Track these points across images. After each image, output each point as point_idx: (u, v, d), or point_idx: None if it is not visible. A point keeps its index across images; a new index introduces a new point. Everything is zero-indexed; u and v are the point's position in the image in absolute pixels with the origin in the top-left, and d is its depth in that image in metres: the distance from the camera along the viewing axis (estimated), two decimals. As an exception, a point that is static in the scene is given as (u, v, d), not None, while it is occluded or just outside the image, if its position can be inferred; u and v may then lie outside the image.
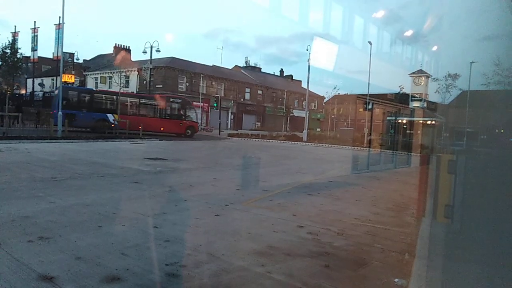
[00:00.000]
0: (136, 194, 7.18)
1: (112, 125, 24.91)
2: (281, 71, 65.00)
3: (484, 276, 3.70)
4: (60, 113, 20.73)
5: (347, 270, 3.96)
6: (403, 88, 40.48)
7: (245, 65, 59.24)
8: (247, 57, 61.84)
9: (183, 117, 27.90)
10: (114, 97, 26.67)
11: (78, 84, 41.58)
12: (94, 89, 28.09)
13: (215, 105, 35.87)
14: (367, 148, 27.63)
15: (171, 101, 28.41)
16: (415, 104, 35.57)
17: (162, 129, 26.76)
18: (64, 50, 25.30)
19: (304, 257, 4.23)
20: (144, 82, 39.88)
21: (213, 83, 44.87)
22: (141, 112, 27.06)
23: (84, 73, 47.33)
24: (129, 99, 27.51)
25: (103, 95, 27.50)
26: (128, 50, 49.10)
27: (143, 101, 27.86)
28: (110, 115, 25.42)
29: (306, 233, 5.10)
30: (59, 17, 22.85)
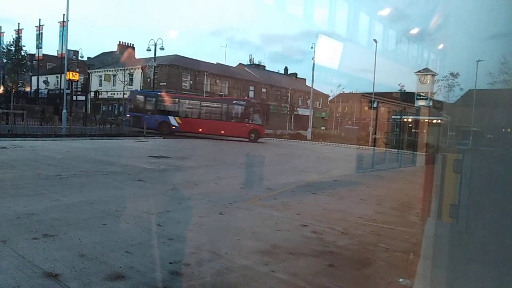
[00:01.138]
0: (140, 192, 7.19)
1: (173, 127, 25.27)
2: (286, 69, 64.80)
3: (489, 277, 3.67)
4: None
5: (351, 270, 3.94)
6: (403, 86, 40.24)
7: (249, 63, 59.15)
8: (251, 55, 61.85)
9: (247, 120, 25.86)
10: (176, 99, 26.99)
11: (82, 82, 41.75)
12: (159, 92, 28.45)
13: (219, 103, 35.85)
14: (372, 147, 27.52)
15: (233, 103, 26.91)
16: (421, 102, 35.35)
17: (222, 132, 25.59)
18: (68, 48, 25.32)
19: (308, 256, 4.21)
20: (148, 80, 39.93)
21: (217, 81, 44.83)
22: (202, 114, 26.32)
23: (88, 71, 47.50)
24: (190, 102, 27.33)
25: (166, 98, 27.67)
26: (132, 48, 49.23)
27: (204, 103, 27.28)
28: (172, 117, 25.67)
29: (310, 232, 5.08)
30: (63, 14, 22.94)
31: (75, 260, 3.62)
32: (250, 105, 27.16)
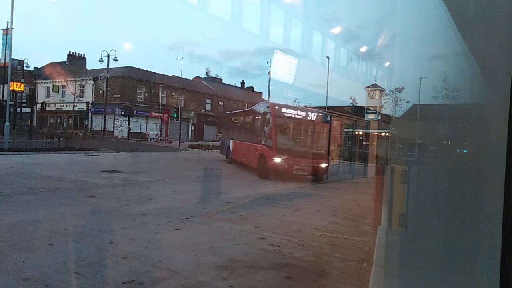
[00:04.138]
0: (91, 209, 6.86)
1: (231, 153, 18.24)
2: (242, 82, 65.37)
3: (437, 282, 3.88)
4: (8, 124, 19.59)
5: (308, 281, 4.00)
6: (355, 99, 42.17)
7: (206, 76, 59.06)
8: (207, 68, 61.68)
9: (259, 138, 14.14)
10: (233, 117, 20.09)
11: (28, 93, 39.32)
12: (232, 112, 22.41)
13: (175, 115, 35.26)
14: (326, 159, 28.33)
15: (254, 112, 16.07)
16: (370, 116, 37.18)
17: (245, 159, 15.86)
18: (12, 57, 23.84)
19: (266, 269, 4.23)
20: (101, 91, 38.55)
21: (173, 94, 44.23)
22: (236, 134, 18.03)
23: (34, 81, 44.91)
24: (236, 117, 19.26)
25: (232, 117, 20.33)
26: (83, 59, 47.41)
27: (235, 117, 19.09)
28: (231, 141, 18.33)
29: (268, 245, 5.11)
30: (7, 22, 21.58)
31: (17, 284, 3.37)
32: (267, 112, 13.95)
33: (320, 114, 14.15)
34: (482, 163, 1.59)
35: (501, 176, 1.02)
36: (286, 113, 13.50)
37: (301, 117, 13.63)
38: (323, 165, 13.43)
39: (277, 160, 12.41)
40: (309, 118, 13.75)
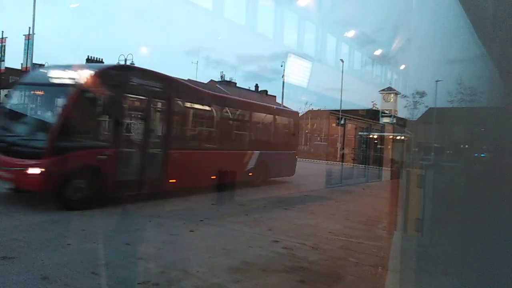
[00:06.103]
0: (108, 210, 6.96)
1: None
2: (256, 86, 65.38)
3: (455, 287, 3.81)
4: None
5: (322, 285, 3.98)
6: (375, 104, 41.83)
7: (220, 80, 59.43)
8: (222, 72, 61.94)
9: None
10: None
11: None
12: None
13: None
14: (340, 163, 28.13)
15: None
16: (385, 120, 36.71)
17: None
18: (34, 61, 24.45)
19: (279, 272, 4.22)
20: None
21: (188, 97, 44.60)
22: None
23: (53, 85, 45.95)
24: None
25: None
26: (100, 63, 48.30)
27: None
28: None
29: (282, 248, 5.10)
30: (29, 27, 22.19)
31: (36, 283, 3.45)
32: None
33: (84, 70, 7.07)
34: (501, 167, 1.57)
35: (520, 180, 1.01)
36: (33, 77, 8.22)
37: (49, 80, 7.19)
38: (34, 170, 6.09)
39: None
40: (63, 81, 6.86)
